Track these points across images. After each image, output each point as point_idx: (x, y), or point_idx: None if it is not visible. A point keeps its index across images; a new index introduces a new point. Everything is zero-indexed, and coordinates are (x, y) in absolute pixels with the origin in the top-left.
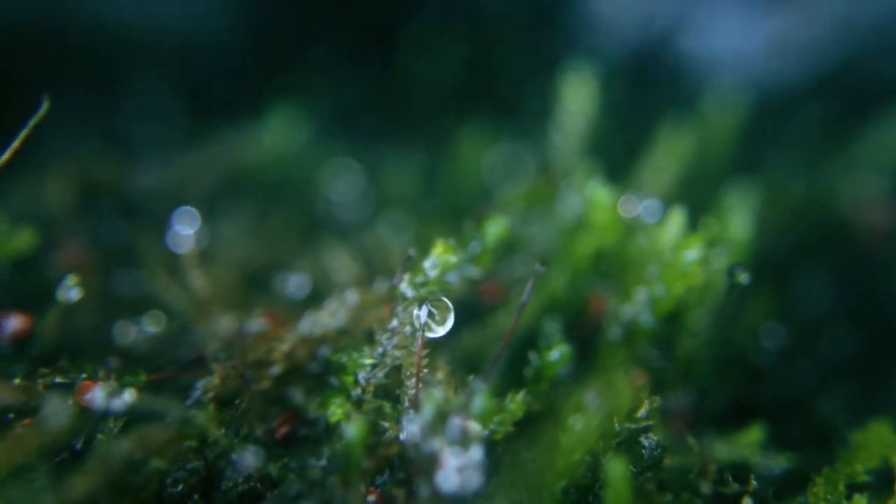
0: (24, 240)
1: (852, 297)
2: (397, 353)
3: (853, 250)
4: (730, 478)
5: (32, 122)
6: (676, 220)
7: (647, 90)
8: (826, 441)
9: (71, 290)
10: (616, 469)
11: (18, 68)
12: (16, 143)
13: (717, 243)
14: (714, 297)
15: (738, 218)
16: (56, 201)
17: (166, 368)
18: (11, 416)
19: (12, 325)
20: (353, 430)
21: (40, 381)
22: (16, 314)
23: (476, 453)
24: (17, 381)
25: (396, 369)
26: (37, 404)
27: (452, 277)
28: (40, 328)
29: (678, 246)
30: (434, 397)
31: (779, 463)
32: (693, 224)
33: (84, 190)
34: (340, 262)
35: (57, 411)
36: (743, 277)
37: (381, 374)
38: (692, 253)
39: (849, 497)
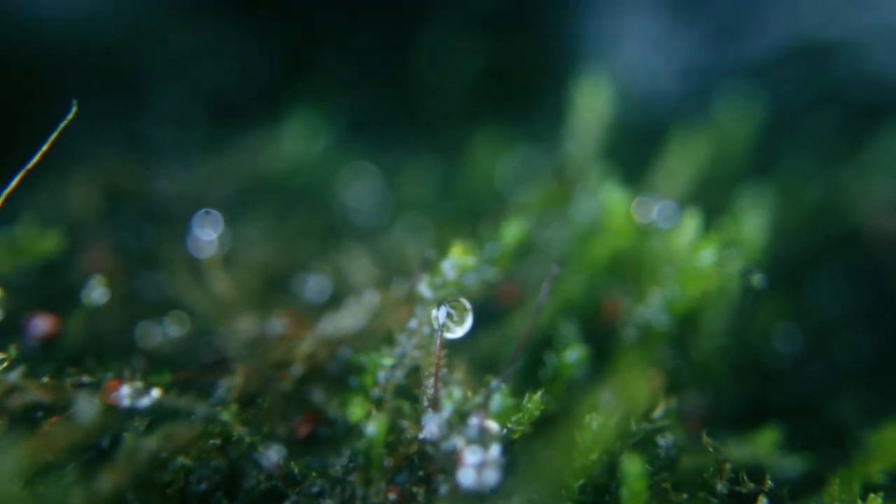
0: (51, 242)
1: (865, 301)
2: (416, 353)
3: (866, 254)
4: (745, 477)
5: (62, 125)
6: (691, 222)
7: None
8: (841, 442)
9: (96, 292)
10: (633, 468)
11: (40, 75)
12: (45, 147)
13: (732, 246)
14: (729, 300)
15: (753, 221)
16: (81, 205)
17: (190, 369)
18: (40, 414)
19: (40, 327)
20: (374, 428)
21: (68, 380)
22: (43, 316)
23: (494, 452)
24: (45, 379)
25: (415, 370)
26: (65, 403)
27: (470, 279)
28: (67, 329)
29: (693, 248)
30: (453, 397)
31: (794, 463)
32: (708, 227)
33: (108, 194)
34: (359, 265)
35: (85, 409)
36: (757, 280)
37: (400, 374)
38: (707, 255)
39: (864, 497)
